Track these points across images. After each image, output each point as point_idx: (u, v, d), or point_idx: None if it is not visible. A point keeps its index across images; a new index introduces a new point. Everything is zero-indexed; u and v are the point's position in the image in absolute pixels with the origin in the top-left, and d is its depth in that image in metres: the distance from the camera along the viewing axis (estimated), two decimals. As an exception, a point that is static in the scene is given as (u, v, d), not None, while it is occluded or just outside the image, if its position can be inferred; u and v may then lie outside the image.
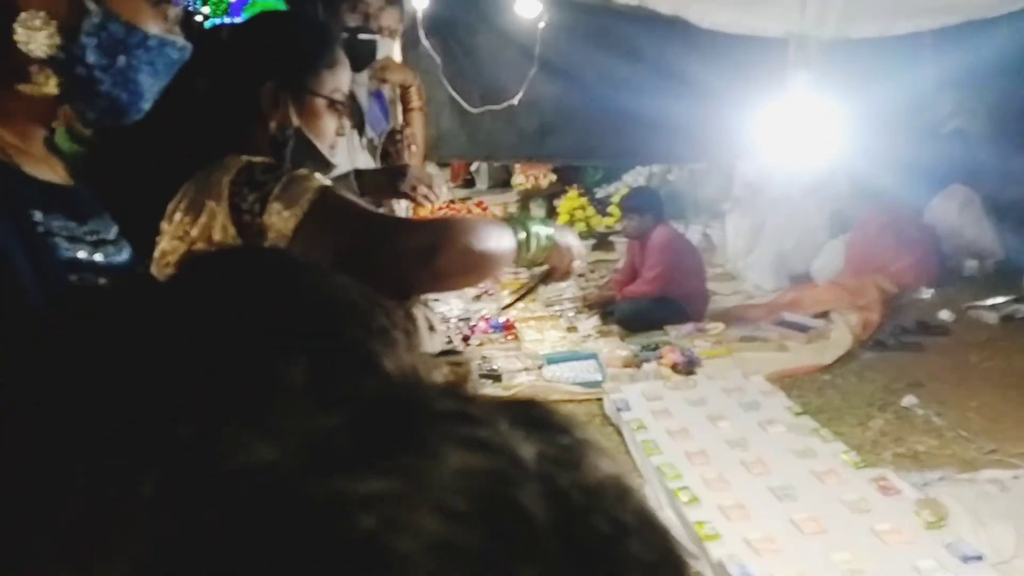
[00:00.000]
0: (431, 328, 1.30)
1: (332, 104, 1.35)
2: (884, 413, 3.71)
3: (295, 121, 1.30)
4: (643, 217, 5.19)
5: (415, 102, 3.00)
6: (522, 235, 1.21)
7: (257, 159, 1.21)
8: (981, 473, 3.11)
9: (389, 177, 2.21)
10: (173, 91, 1.30)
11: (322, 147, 1.35)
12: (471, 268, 1.17)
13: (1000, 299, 4.97)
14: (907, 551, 2.48)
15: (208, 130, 1.28)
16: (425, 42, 4.66)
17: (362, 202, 1.21)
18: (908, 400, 3.76)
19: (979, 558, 2.44)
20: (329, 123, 1.36)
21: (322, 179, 1.18)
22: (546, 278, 1.34)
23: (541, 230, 1.24)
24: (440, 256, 1.10)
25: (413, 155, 2.75)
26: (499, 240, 1.18)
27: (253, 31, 1.42)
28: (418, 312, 1.21)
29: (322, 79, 1.34)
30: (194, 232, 1.18)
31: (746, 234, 6.34)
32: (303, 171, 1.18)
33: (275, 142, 1.29)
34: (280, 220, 1.11)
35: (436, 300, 5.21)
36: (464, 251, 1.12)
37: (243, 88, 1.29)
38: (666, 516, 2.91)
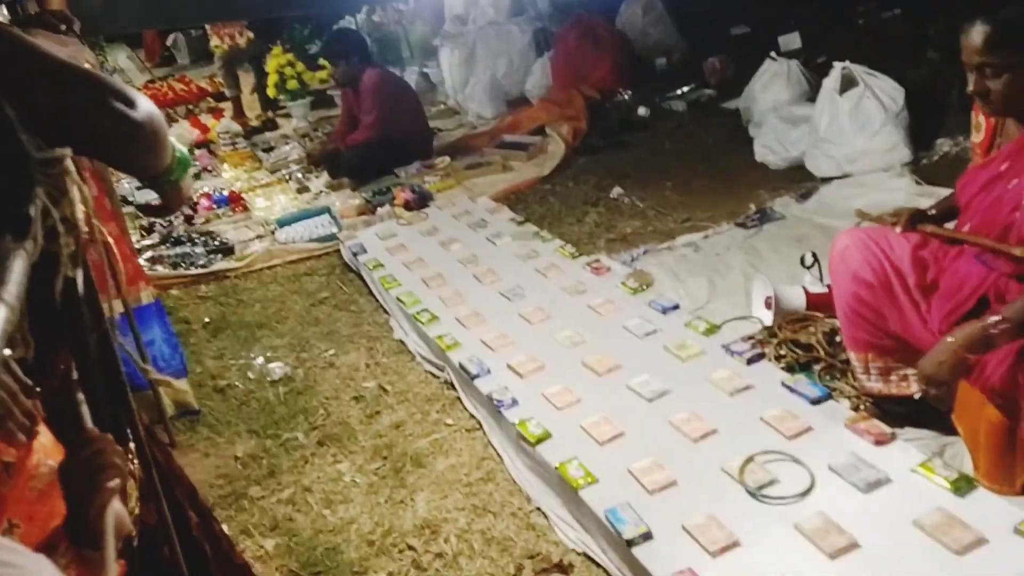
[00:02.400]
0: None
1: None
2: (597, 207, 4.03)
3: None
4: (348, 61, 5.03)
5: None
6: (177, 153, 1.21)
7: None
8: (678, 240, 3.51)
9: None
10: None
11: None
12: (154, 144, 1.11)
13: (685, 88, 5.46)
14: (618, 316, 2.79)
15: None
16: None
17: (47, 46, 1.03)
18: (616, 191, 4.10)
19: (676, 307, 2.79)
20: None
21: None
22: (157, 209, 1.28)
23: (188, 163, 1.25)
24: (140, 125, 1.02)
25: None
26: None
27: None
28: None
29: None
30: None
31: (460, 67, 6.38)
32: None
33: None
34: None
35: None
36: (157, 125, 1.07)
37: None
38: (412, 341, 3.04)
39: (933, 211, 2.14)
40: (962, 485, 1.75)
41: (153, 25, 7.04)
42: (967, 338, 1.73)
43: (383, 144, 5.04)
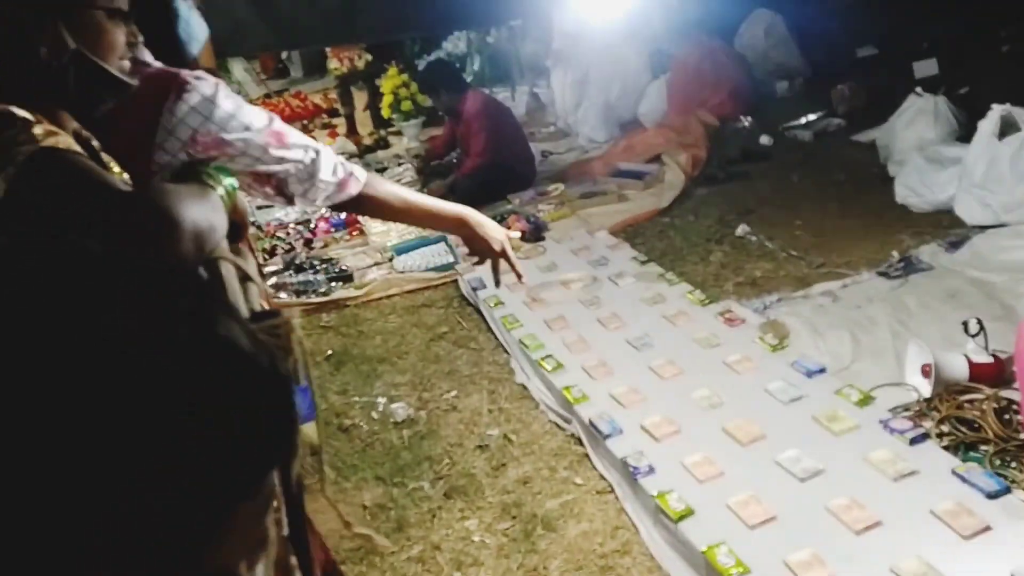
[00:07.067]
0: (246, 279, 1.17)
1: (114, 14, 1.11)
2: (722, 245, 3.87)
3: (71, 43, 1.06)
4: (445, 91, 5.09)
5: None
6: (221, 191, 1.19)
7: None
8: (814, 288, 3.32)
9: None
10: None
11: (111, 67, 1.11)
12: (200, 246, 1.05)
13: (812, 116, 5.23)
14: (757, 376, 2.65)
15: None
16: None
17: (93, 167, 1.01)
18: (742, 229, 3.93)
19: (822, 371, 2.63)
20: (116, 36, 1.12)
21: (47, 141, 0.98)
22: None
23: (230, 182, 1.24)
24: (166, 240, 0.98)
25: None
26: (216, 212, 1.12)
27: None
28: (225, 267, 1.08)
29: None
30: None
31: (572, 88, 6.31)
32: (21, 134, 0.97)
33: (52, 72, 1.05)
34: None
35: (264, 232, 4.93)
36: (192, 233, 1.01)
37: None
38: (535, 387, 2.97)
39: None
40: None
41: (277, 48, 7.24)
42: None
43: (494, 167, 5.03)
